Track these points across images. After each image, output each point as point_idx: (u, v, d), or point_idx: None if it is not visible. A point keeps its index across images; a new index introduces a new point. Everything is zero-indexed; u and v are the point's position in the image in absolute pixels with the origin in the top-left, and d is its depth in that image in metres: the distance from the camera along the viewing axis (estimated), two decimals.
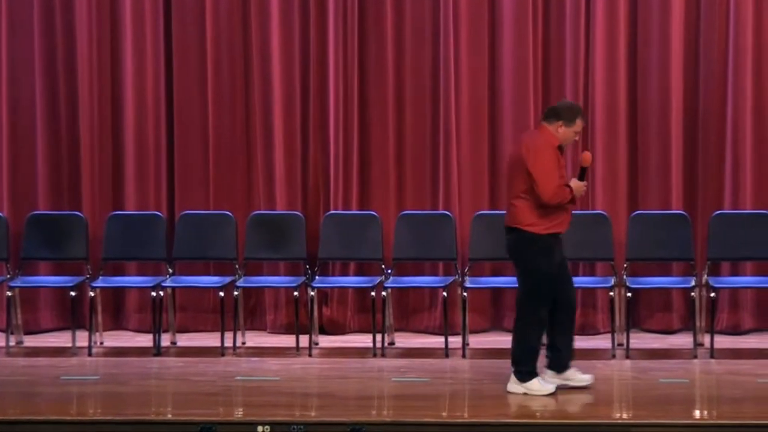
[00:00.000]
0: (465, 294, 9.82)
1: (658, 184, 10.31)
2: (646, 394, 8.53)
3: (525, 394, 8.45)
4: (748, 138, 10.15)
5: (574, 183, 8.39)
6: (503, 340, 10.10)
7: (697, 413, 8.25)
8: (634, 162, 10.39)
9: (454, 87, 10.43)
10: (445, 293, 9.90)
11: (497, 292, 10.46)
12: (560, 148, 8.40)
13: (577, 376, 8.56)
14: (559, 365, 8.54)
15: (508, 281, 10.12)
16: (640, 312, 10.30)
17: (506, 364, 9.32)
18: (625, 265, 9.98)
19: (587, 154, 8.51)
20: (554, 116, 8.39)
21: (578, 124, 8.40)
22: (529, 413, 8.20)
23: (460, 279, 10.04)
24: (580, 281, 10.19)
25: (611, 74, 10.30)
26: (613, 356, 9.57)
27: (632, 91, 10.35)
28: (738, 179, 10.18)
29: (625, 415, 8.23)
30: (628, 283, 9.77)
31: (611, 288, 9.77)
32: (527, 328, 8.46)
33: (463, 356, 9.69)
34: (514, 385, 8.50)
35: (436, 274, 10.42)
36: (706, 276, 9.84)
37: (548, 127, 8.39)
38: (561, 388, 8.48)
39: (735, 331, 10.15)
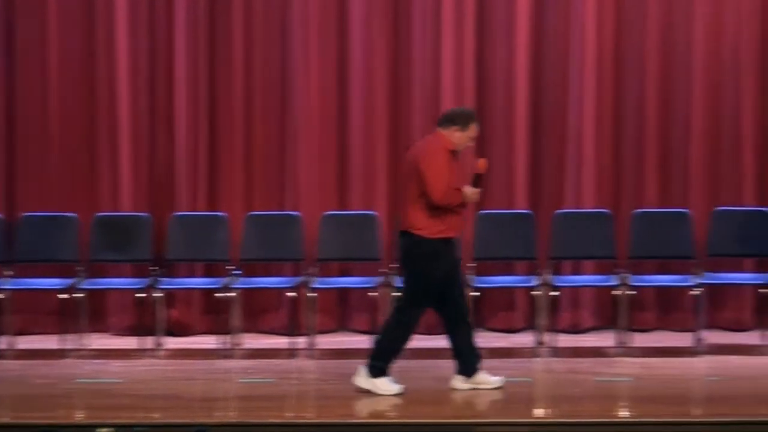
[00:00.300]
0: (313, 294, 9.82)
1: (503, 183, 10.44)
2: (489, 393, 8.61)
3: (370, 390, 8.47)
4: (588, 138, 10.35)
5: (468, 189, 8.46)
6: (350, 341, 10.18)
7: (538, 411, 8.36)
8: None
9: (303, 88, 10.43)
10: (292, 294, 9.88)
11: (345, 292, 10.49)
12: (454, 153, 8.47)
13: (487, 379, 8.60)
14: (467, 370, 8.58)
15: (356, 281, 10.19)
16: (485, 311, 10.42)
17: (354, 364, 9.37)
18: (470, 265, 10.08)
19: (482, 161, 8.56)
20: (449, 122, 8.48)
21: (473, 128, 8.49)
22: (375, 413, 8.24)
23: (308, 279, 10.04)
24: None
25: (459, 77, 10.40)
26: None
27: (479, 91, 10.47)
28: (580, 179, 10.37)
29: (469, 414, 8.31)
30: (474, 283, 9.87)
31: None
32: (398, 328, 8.50)
33: (310, 357, 9.70)
34: (362, 379, 8.52)
35: (283, 275, 10.41)
36: (548, 275, 10.00)
37: (443, 132, 8.47)
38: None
39: (575, 329, 10.33)
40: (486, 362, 9.24)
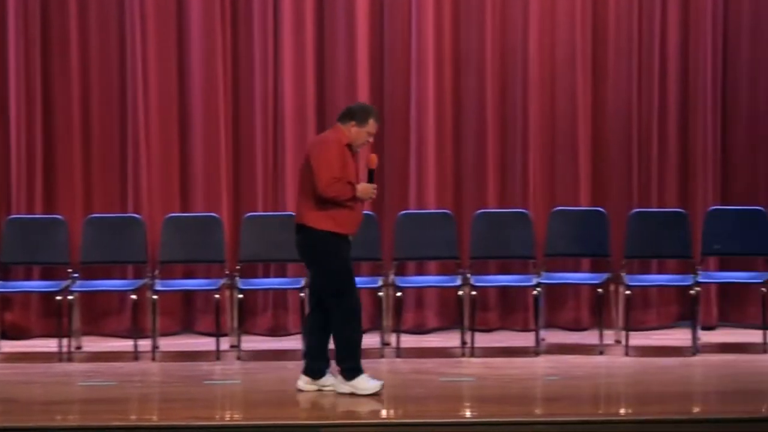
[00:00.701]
0: (155, 297, 9.73)
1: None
2: (335, 395, 8.63)
3: (353, 393, 8.43)
4: (430, 139, 10.45)
5: (362, 185, 8.44)
6: (194, 343, 10.11)
7: (383, 412, 8.41)
8: None
9: (142, 89, 10.33)
10: (134, 296, 9.78)
11: (188, 294, 10.40)
12: (350, 148, 8.46)
13: (333, 382, 8.59)
14: (315, 371, 8.57)
15: (199, 283, 10.11)
16: None
17: (199, 366, 9.32)
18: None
19: (373, 157, 8.56)
20: (347, 116, 8.50)
21: (371, 124, 8.48)
22: (218, 415, 8.19)
23: (151, 282, 9.94)
24: (270, 282, 10.30)
25: (300, 76, 10.39)
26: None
27: (320, 93, 10.48)
28: (421, 179, 10.46)
29: (314, 416, 8.31)
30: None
31: (302, 289, 9.86)
32: (343, 324, 8.47)
33: (153, 359, 9.60)
34: (341, 386, 8.48)
35: (125, 278, 10.28)
36: (392, 275, 10.07)
37: (341, 127, 8.49)
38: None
39: (420, 330, 10.42)
40: (333, 364, 9.28)
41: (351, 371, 8.48)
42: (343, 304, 8.47)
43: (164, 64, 10.37)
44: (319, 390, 8.55)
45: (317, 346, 8.57)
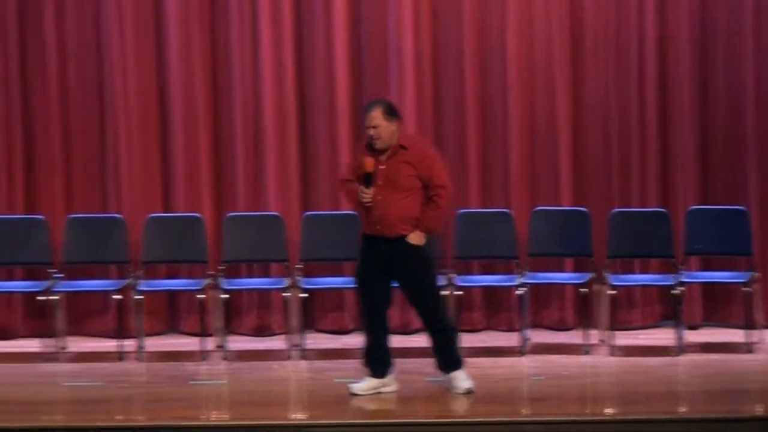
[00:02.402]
0: (139, 297, 9.71)
1: (328, 184, 10.48)
2: (321, 394, 8.66)
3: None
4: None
5: (360, 188, 8.45)
6: (180, 343, 10.10)
7: (369, 413, 8.43)
8: (305, 163, 10.53)
9: (121, 87, 10.30)
10: (118, 296, 9.76)
11: (173, 294, 10.39)
12: (368, 147, 8.45)
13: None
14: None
15: (183, 283, 10.12)
16: (315, 312, 10.45)
17: (184, 366, 9.32)
18: (299, 266, 10.11)
19: (368, 160, 8.46)
20: None
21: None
22: (204, 415, 8.20)
23: (134, 282, 9.92)
24: (255, 283, 10.30)
25: (279, 75, 10.37)
26: (289, 357, 9.68)
27: (300, 91, 10.46)
28: None
29: (300, 416, 8.33)
30: (302, 284, 9.89)
31: (286, 289, 9.87)
32: (362, 325, 8.63)
33: (139, 360, 9.59)
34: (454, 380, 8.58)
35: (109, 278, 10.26)
36: None
37: None
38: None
39: (405, 330, 10.43)
40: (316, 363, 9.32)
41: (455, 361, 8.61)
42: (360, 304, 8.62)
43: (143, 63, 10.35)
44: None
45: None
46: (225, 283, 9.93)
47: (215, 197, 10.49)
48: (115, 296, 9.81)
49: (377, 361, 8.58)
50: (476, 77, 10.47)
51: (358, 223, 10.07)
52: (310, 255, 10.14)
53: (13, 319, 10.28)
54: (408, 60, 10.39)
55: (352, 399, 8.48)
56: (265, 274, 10.38)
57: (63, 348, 9.88)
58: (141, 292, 9.76)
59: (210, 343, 9.82)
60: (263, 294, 10.37)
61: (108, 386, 8.84)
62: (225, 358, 9.64)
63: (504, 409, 8.24)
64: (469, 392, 8.48)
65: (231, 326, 10.18)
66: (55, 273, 9.92)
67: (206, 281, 9.94)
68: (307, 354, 9.67)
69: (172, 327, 10.47)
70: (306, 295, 9.83)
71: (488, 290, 10.44)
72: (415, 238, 8.41)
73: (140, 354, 9.64)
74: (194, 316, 10.19)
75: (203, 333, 9.72)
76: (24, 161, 10.31)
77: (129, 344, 9.67)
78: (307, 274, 10.15)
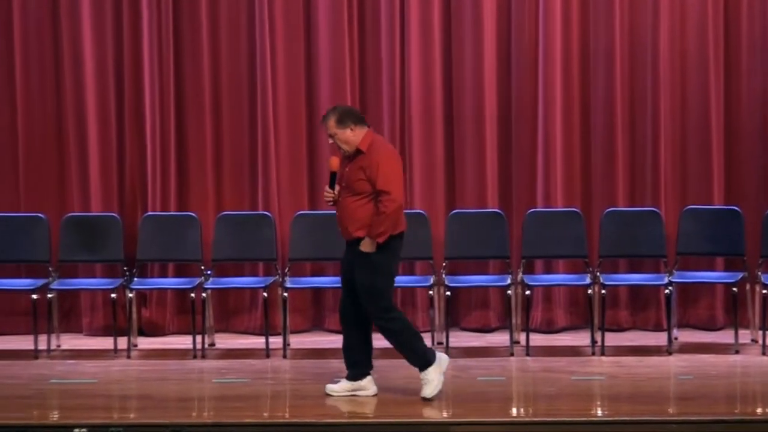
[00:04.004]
0: (285, 294, 9.81)
1: (475, 183, 10.46)
2: (464, 392, 8.63)
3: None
4: (558, 136, 10.38)
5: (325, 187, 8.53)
6: (324, 340, 10.17)
7: (514, 411, 8.38)
8: (450, 161, 10.52)
9: (271, 87, 10.41)
10: (265, 294, 9.87)
11: (318, 292, 10.48)
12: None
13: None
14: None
15: (329, 281, 10.17)
16: (459, 310, 10.44)
17: (329, 363, 9.37)
18: (444, 264, 10.10)
19: (333, 159, 8.52)
20: None
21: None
22: (350, 413, 8.24)
23: (281, 279, 10.02)
24: (400, 280, 10.28)
25: (427, 73, 10.41)
26: None
27: (447, 91, 10.48)
28: (549, 177, 10.39)
29: (444, 414, 8.31)
30: (447, 282, 9.88)
31: (430, 287, 9.88)
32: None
33: (284, 356, 9.68)
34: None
35: (256, 275, 10.38)
36: (521, 274, 10.02)
37: None
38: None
39: (549, 329, 10.36)
40: (459, 361, 9.29)
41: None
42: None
43: (293, 67, 10.44)
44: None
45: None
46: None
47: None
48: (262, 293, 9.91)
49: (350, 363, 8.55)
50: (626, 76, 10.36)
51: (504, 221, 10.06)
52: (455, 253, 10.12)
53: (165, 316, 10.46)
54: (556, 60, 10.32)
55: (494, 397, 8.43)
56: (410, 272, 10.39)
57: (212, 344, 10.03)
58: (287, 290, 9.85)
59: None
60: (408, 291, 10.39)
61: (254, 383, 8.94)
62: None
63: (650, 409, 8.12)
64: (428, 398, 8.38)
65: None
66: (205, 270, 10.06)
67: None
68: (451, 352, 9.65)
69: (316, 324, 10.56)
70: (449, 293, 9.81)
71: (634, 289, 10.29)
72: (364, 245, 8.35)
73: (286, 351, 9.73)
74: (338, 313, 10.22)
75: None
76: (177, 161, 10.48)
77: (275, 341, 9.76)
78: (452, 271, 10.13)
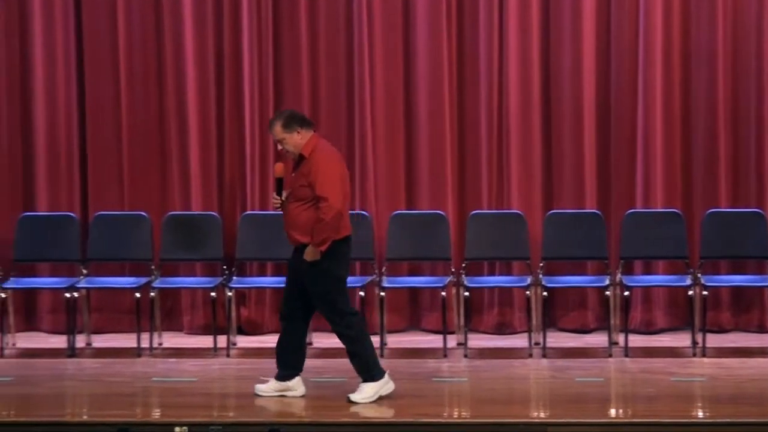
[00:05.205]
0: (382, 294, 9.83)
1: (572, 183, 10.40)
2: (562, 393, 8.59)
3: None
4: (658, 136, 10.28)
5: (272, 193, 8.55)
6: (421, 340, 10.18)
7: (612, 412, 8.32)
8: (548, 161, 10.47)
9: (369, 84, 10.43)
10: (362, 293, 9.89)
11: (415, 292, 10.48)
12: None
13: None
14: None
15: (426, 281, 10.19)
16: (556, 311, 10.39)
17: (426, 363, 9.38)
18: (541, 264, 10.05)
19: (277, 165, 8.51)
20: None
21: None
22: (446, 412, 8.23)
23: (378, 279, 10.04)
24: (496, 280, 10.30)
25: (525, 72, 10.37)
26: (530, 355, 9.64)
27: (545, 89, 10.43)
28: (649, 177, 10.29)
29: (542, 414, 8.28)
30: (544, 282, 9.84)
31: (527, 287, 9.84)
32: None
33: (381, 356, 9.69)
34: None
35: (353, 274, 10.39)
36: (619, 274, 9.94)
37: None
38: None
39: (648, 329, 10.27)
40: (557, 362, 9.24)
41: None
42: None
43: (390, 63, 10.46)
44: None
45: None
46: (467, 281, 9.95)
47: (458, 195, 10.53)
48: (359, 293, 9.94)
49: (282, 363, 8.55)
50: (728, 74, 10.22)
51: (601, 222, 9.98)
52: (552, 253, 10.07)
53: (262, 314, 10.53)
54: (656, 58, 10.22)
55: (593, 397, 8.37)
56: (507, 272, 10.36)
57: (309, 343, 10.06)
58: (384, 289, 9.86)
59: (451, 341, 9.86)
60: (505, 292, 10.36)
61: (350, 382, 8.95)
62: (466, 356, 9.66)
63: (753, 411, 8.00)
64: (353, 400, 8.36)
65: (472, 324, 10.19)
66: None
67: (449, 278, 9.98)
68: (548, 352, 9.61)
69: (413, 324, 10.56)
70: (546, 293, 9.76)
71: (737, 290, 10.16)
72: (308, 254, 8.31)
73: (383, 350, 9.74)
74: (436, 313, 10.25)
75: (444, 330, 9.76)
76: (275, 160, 10.47)
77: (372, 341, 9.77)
78: (549, 272, 10.08)
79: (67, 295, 9.86)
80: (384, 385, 8.42)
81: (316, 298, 8.42)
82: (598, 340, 9.97)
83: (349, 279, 10.20)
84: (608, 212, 10.29)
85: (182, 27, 10.45)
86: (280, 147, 8.46)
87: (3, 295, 9.90)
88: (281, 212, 8.51)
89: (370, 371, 8.42)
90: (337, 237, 8.30)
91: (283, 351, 8.57)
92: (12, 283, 10.04)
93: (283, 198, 8.42)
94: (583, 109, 10.35)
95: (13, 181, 10.54)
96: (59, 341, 10.07)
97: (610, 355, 9.56)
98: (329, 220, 8.21)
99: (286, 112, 8.57)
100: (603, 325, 10.00)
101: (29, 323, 10.59)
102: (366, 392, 8.40)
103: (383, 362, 9.47)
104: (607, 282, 9.81)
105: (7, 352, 9.83)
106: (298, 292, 8.47)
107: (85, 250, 10.21)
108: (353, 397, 8.39)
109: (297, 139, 8.35)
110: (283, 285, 10.05)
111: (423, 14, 10.41)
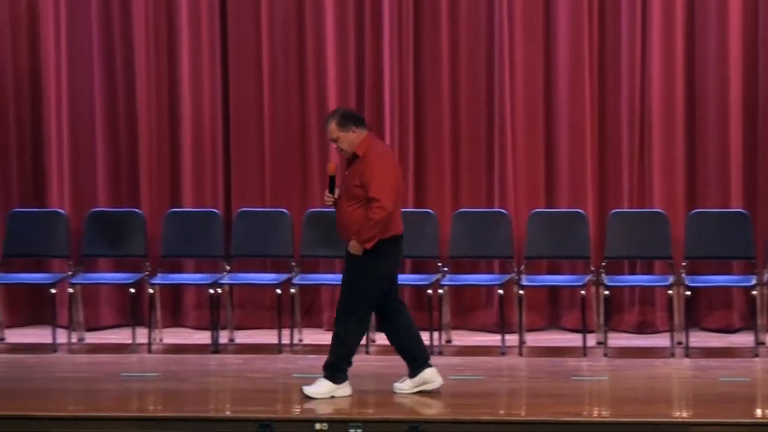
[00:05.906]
0: (521, 292, 9.80)
1: (717, 181, 10.24)
2: (706, 393, 8.48)
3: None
4: None
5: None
6: (561, 338, 10.12)
7: (758, 412, 8.18)
8: (692, 159, 10.33)
9: (509, 84, 10.41)
10: (501, 291, 9.88)
11: (554, 290, 10.43)
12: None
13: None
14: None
15: (565, 279, 10.13)
16: (700, 311, 10.24)
17: (565, 362, 9.32)
18: (683, 264, 9.92)
19: (330, 164, 8.55)
20: None
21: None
22: (586, 411, 8.18)
23: (517, 277, 10.02)
24: (638, 279, 10.20)
25: (668, 68, 10.24)
26: (672, 355, 9.53)
27: (689, 85, 10.29)
28: None
29: (685, 414, 8.18)
30: (686, 282, 9.71)
31: (670, 286, 9.72)
32: None
33: (520, 354, 9.67)
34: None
35: (492, 272, 10.40)
36: (767, 274, 9.75)
37: None
38: None
39: (727, 329, 10.07)
40: (700, 361, 9.11)
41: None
42: None
43: (531, 65, 10.41)
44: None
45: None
46: (607, 280, 9.86)
47: (599, 193, 10.44)
48: (498, 291, 9.92)
49: (409, 359, 8.54)
50: None
51: (747, 221, 9.80)
52: (696, 252, 9.93)
53: None
54: None
55: (738, 398, 8.24)
56: (648, 271, 10.24)
57: (448, 341, 10.09)
58: (523, 287, 9.83)
59: (591, 340, 9.78)
60: (646, 291, 10.24)
61: (491, 380, 8.96)
62: (606, 355, 9.58)
63: None
64: (305, 392, 8.37)
65: (612, 323, 10.10)
66: (442, 266, 10.13)
67: (588, 277, 9.91)
68: (690, 352, 9.48)
69: (552, 323, 10.51)
70: (689, 293, 9.62)
71: None
72: (352, 246, 8.30)
73: (522, 349, 9.71)
74: (575, 311, 10.18)
75: (584, 329, 9.70)
76: (415, 159, 10.59)
77: (510, 339, 9.76)
78: (692, 271, 9.93)
79: (211, 291, 10.02)
80: (339, 389, 8.47)
81: (342, 286, 8.49)
82: (744, 340, 9.80)
83: (486, 277, 10.27)
84: (755, 211, 10.10)
85: (324, 31, 10.53)
86: (334, 145, 8.52)
87: (151, 291, 10.11)
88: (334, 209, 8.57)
89: (334, 371, 8.48)
90: (384, 236, 8.34)
91: (400, 347, 8.60)
92: (159, 279, 10.24)
93: (335, 196, 8.47)
94: (728, 106, 10.17)
95: (160, 178, 10.75)
96: (203, 337, 10.24)
97: (757, 355, 9.40)
98: (379, 220, 8.28)
99: (340, 110, 8.64)
100: (749, 325, 9.83)
101: (175, 319, 10.79)
102: (321, 388, 8.47)
103: (520, 360, 9.45)
104: (754, 282, 9.64)
105: (154, 347, 10.03)
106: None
107: (228, 246, 10.36)
108: (306, 389, 8.48)
109: (352, 138, 8.40)
110: (418, 283, 10.14)
111: (564, 17, 10.34)
